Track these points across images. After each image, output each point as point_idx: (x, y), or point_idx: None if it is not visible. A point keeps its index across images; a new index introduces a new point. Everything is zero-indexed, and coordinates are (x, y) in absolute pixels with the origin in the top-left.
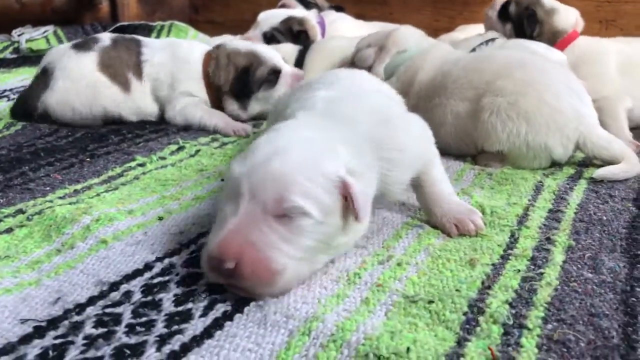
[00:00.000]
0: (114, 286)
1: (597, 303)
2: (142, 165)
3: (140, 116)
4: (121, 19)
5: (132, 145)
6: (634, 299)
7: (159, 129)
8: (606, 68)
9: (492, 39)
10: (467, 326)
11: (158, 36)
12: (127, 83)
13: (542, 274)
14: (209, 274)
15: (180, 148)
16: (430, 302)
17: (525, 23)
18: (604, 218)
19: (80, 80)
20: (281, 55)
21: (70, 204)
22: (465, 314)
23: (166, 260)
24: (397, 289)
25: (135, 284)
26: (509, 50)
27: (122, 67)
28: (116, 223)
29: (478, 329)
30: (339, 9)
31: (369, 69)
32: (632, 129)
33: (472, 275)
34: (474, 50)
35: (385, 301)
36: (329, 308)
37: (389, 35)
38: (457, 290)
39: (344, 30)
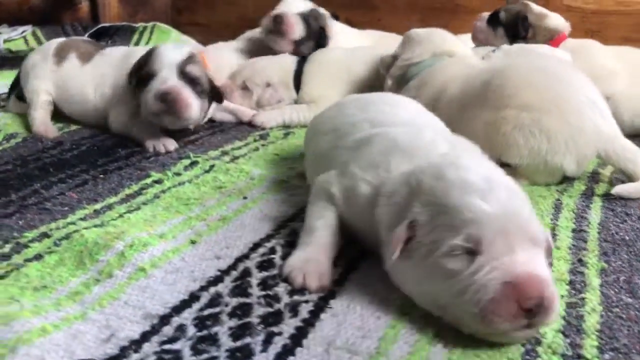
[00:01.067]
0: (165, 319)
1: None
2: (158, 182)
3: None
4: (102, 20)
5: (142, 160)
6: None
7: None
8: (596, 64)
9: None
10: (528, 357)
11: (140, 38)
12: None
13: (583, 299)
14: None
15: (194, 163)
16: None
17: (519, 25)
18: (627, 238)
19: None
20: (279, 66)
21: (95, 226)
22: (523, 345)
23: (212, 290)
24: None
25: (186, 317)
26: (531, 59)
27: None
28: (150, 249)
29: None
30: (334, 17)
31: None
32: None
33: None
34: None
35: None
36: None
37: (404, 47)
38: None
39: (345, 40)
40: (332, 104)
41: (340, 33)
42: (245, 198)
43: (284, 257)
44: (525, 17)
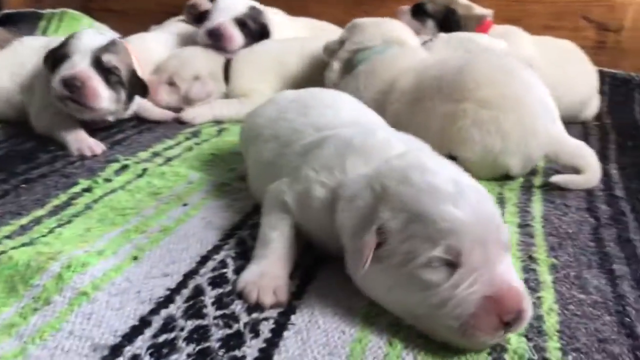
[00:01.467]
0: (116, 350)
1: (600, 327)
2: (88, 190)
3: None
4: (4, 6)
5: (67, 165)
6: (628, 319)
7: None
8: (518, 50)
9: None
10: None
11: (48, 25)
12: None
13: (540, 298)
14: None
15: (124, 167)
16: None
17: (450, 20)
18: (570, 231)
19: None
20: (207, 57)
21: (24, 245)
22: (489, 354)
23: (163, 312)
24: None
25: (140, 345)
26: (489, 55)
27: None
28: (90, 269)
29: None
30: None
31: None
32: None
33: None
34: None
35: None
36: None
37: (353, 31)
38: None
39: (286, 33)
40: (267, 102)
41: (280, 24)
42: (185, 205)
43: (237, 271)
44: (454, 10)
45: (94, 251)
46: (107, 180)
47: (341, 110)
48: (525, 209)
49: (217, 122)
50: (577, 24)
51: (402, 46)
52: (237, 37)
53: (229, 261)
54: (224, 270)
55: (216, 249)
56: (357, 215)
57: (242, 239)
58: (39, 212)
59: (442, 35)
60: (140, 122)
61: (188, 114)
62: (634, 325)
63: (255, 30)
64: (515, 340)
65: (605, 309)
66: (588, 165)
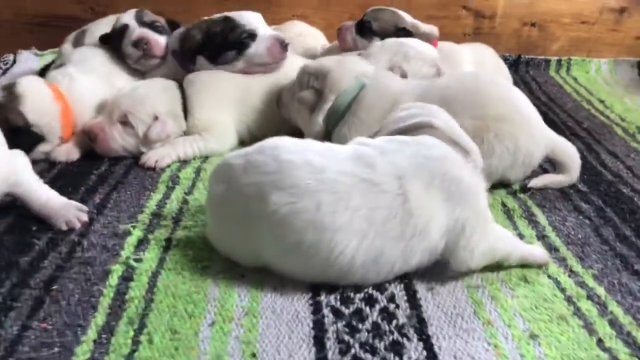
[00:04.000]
0: None
1: None
2: (129, 279)
3: None
4: None
5: (73, 248)
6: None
7: None
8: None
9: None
10: None
11: None
12: None
13: (612, 312)
14: None
15: (142, 240)
16: None
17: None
18: (580, 236)
19: None
20: (163, 92)
21: None
22: None
23: None
24: None
25: None
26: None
27: None
28: None
29: None
30: (173, 25)
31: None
32: None
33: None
34: None
35: None
36: None
37: (325, 80)
38: None
39: None
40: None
41: None
42: (243, 276)
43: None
44: (404, 28)
45: None
46: (138, 260)
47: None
48: (532, 219)
49: (184, 161)
50: (457, 13)
51: (366, 76)
52: (160, 39)
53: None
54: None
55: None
56: None
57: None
58: (99, 319)
59: (377, 42)
60: (108, 174)
61: (150, 158)
62: None
63: (164, 27)
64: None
65: None
66: (573, 162)
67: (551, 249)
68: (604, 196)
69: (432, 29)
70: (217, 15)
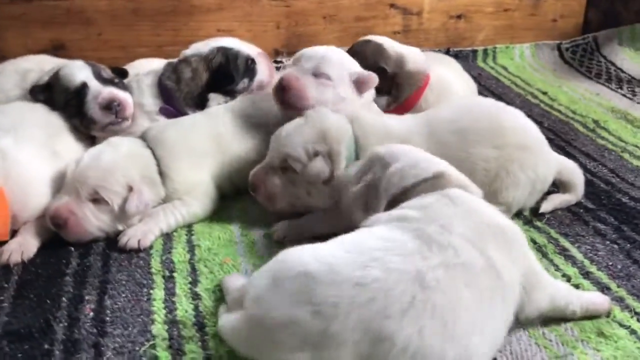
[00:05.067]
0: None
1: None
2: None
3: None
4: None
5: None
6: None
7: None
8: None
9: None
10: None
11: None
12: None
13: None
14: None
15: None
16: None
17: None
18: (619, 267)
19: None
20: (132, 157)
21: None
22: None
23: None
24: None
25: None
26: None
27: None
28: None
29: None
30: (121, 74)
31: (326, 181)
32: None
33: None
34: None
35: None
36: None
37: (327, 137)
38: None
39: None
40: None
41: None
42: None
43: None
44: (383, 69)
45: None
46: None
47: None
48: (566, 254)
49: (167, 235)
50: (385, 12)
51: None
52: (128, 97)
53: None
54: None
55: None
56: None
57: None
58: None
59: None
60: (80, 278)
61: (131, 238)
62: None
63: (111, 77)
64: None
65: None
66: (578, 180)
67: (602, 288)
68: (612, 211)
69: (419, 64)
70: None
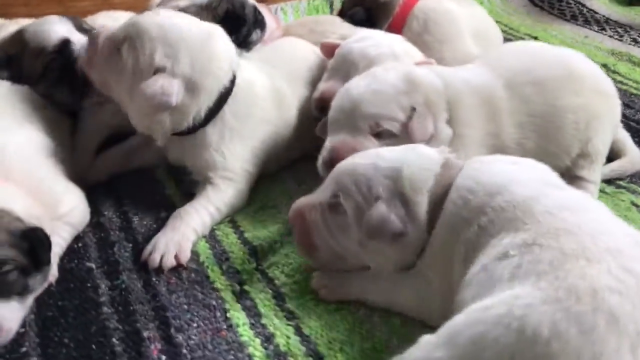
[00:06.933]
0: None
1: None
2: None
3: None
4: None
5: None
6: None
7: None
8: (461, 27)
9: None
10: None
11: None
12: None
13: None
14: None
15: None
16: None
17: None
18: None
19: None
20: None
21: None
22: None
23: None
24: None
25: None
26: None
27: None
28: None
29: None
30: None
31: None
32: None
33: None
34: None
35: None
36: None
37: (417, 85)
38: None
39: None
40: None
41: None
42: None
43: None
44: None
45: None
46: None
47: None
48: None
49: (211, 236)
50: None
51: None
52: None
53: None
54: None
55: None
56: None
57: None
58: None
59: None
60: (123, 301)
61: (165, 255)
62: None
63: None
64: None
65: None
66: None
67: None
68: None
69: None
70: None
